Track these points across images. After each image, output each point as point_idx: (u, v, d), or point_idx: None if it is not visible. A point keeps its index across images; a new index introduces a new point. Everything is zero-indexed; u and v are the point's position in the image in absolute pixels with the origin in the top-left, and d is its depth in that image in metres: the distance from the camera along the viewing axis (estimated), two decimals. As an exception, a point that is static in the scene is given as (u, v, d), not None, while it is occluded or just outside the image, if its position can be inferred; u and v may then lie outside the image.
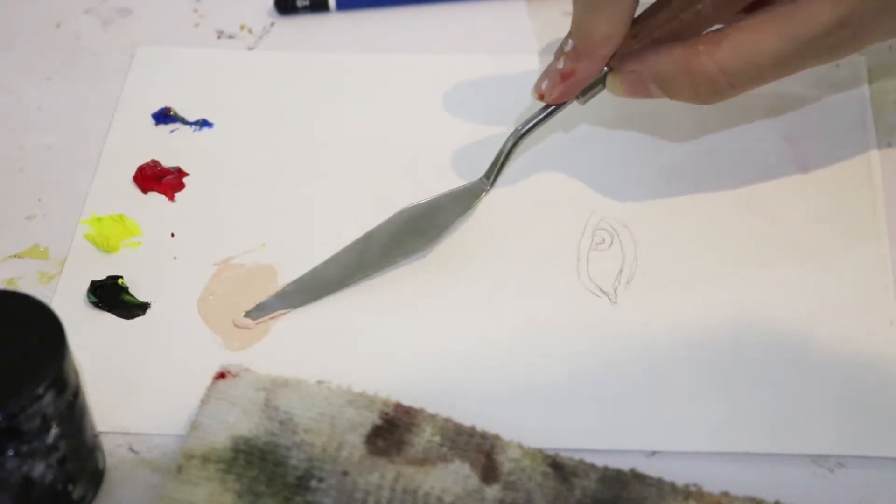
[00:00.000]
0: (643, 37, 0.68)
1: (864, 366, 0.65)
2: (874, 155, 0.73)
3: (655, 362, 0.66)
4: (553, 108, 0.69)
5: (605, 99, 0.75)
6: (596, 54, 0.67)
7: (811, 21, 0.63)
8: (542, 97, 0.69)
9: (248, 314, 0.67)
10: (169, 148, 0.75)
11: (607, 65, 0.68)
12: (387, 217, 0.70)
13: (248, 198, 0.73)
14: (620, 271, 0.69)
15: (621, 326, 0.67)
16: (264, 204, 0.72)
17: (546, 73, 0.68)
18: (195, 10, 0.82)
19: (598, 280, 0.69)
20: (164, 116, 0.77)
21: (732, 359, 0.66)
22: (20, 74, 0.79)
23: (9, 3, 0.83)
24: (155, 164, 0.74)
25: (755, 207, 0.71)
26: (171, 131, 0.76)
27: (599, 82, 0.69)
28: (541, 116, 0.69)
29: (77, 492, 0.60)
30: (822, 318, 0.67)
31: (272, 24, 0.82)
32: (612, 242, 0.70)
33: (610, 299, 0.68)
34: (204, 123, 0.76)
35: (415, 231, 0.69)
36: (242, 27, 0.81)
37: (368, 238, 0.69)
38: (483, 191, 0.70)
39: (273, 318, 0.67)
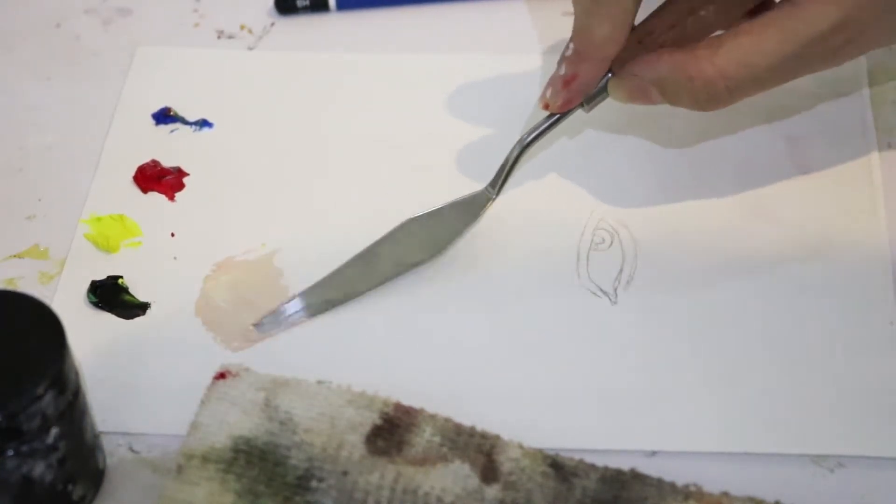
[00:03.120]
0: (648, 43, 0.68)
1: (864, 366, 0.65)
2: (874, 155, 0.73)
3: (655, 362, 0.66)
4: (558, 116, 0.69)
5: (606, 100, 0.75)
6: (597, 57, 0.67)
7: (810, 25, 0.63)
8: (546, 106, 0.68)
9: (257, 327, 0.67)
10: (169, 148, 0.75)
11: (610, 70, 0.68)
12: (389, 223, 0.69)
13: (248, 198, 0.73)
14: (620, 271, 0.69)
15: (621, 326, 0.67)
16: (264, 204, 0.73)
17: (549, 82, 0.68)
18: (195, 10, 0.82)
19: (598, 280, 0.69)
20: (164, 116, 0.77)
21: (732, 359, 0.66)
22: (20, 74, 0.79)
23: (9, 3, 0.83)
24: (155, 164, 0.74)
25: (755, 208, 0.71)
26: (171, 131, 0.76)
27: (604, 89, 0.69)
28: (546, 125, 0.69)
29: (77, 492, 0.60)
30: (822, 319, 0.67)
31: (272, 24, 0.82)
32: (612, 242, 0.70)
33: (610, 299, 0.68)
34: (204, 123, 0.76)
35: (421, 242, 0.69)
36: (242, 27, 0.81)
37: (373, 251, 0.69)
38: (489, 200, 0.70)
39: (275, 334, 0.67)
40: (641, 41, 0.68)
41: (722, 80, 0.65)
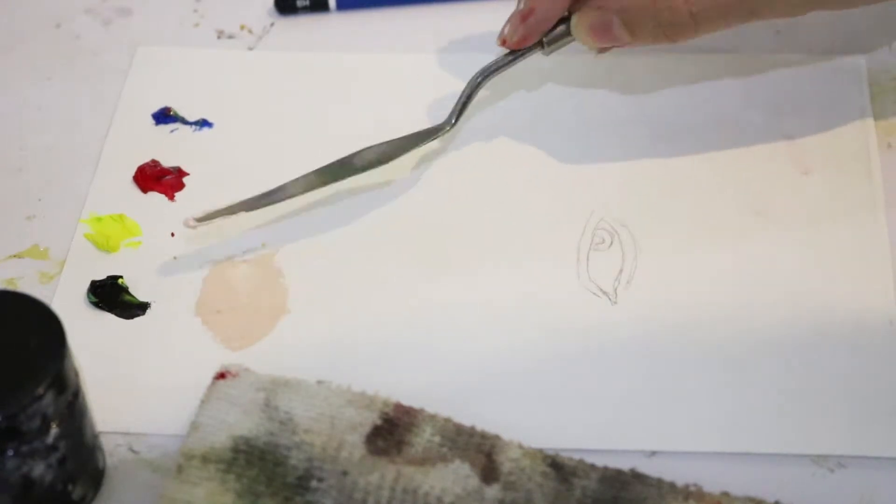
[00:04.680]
0: None
1: (864, 366, 0.65)
2: (874, 155, 0.73)
3: (655, 362, 0.66)
4: (518, 53, 0.70)
5: (607, 97, 0.75)
6: None
7: None
8: (504, 42, 0.70)
9: (198, 218, 0.68)
10: (169, 148, 0.75)
11: (570, 11, 0.69)
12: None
13: (247, 197, 0.73)
14: (620, 271, 0.69)
15: (621, 326, 0.67)
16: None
17: (509, 18, 0.69)
18: (195, 10, 0.82)
19: (598, 280, 0.69)
20: (164, 116, 0.77)
21: (732, 359, 0.66)
22: (20, 74, 0.79)
23: (9, 3, 0.83)
24: (155, 163, 0.74)
25: (755, 207, 0.71)
26: (171, 131, 0.76)
27: (565, 33, 0.70)
28: (505, 62, 0.71)
29: (77, 492, 0.60)
30: (822, 318, 0.67)
31: (272, 24, 0.82)
32: (612, 242, 0.70)
33: (610, 299, 0.68)
34: (204, 123, 0.76)
35: (375, 158, 0.70)
36: (242, 27, 0.81)
37: (325, 168, 0.70)
38: (444, 129, 0.71)
39: (219, 216, 0.68)
40: None
41: (686, 4, 0.65)
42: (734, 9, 0.66)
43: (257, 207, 0.69)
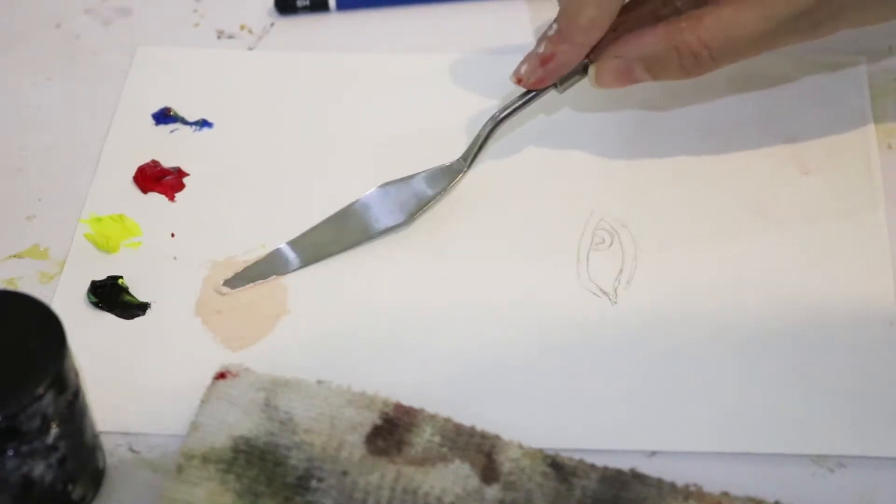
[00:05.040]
0: (622, 31, 0.69)
1: (864, 366, 0.65)
2: (874, 155, 0.73)
3: (655, 362, 0.66)
4: (532, 94, 0.70)
5: (607, 97, 0.75)
6: (579, 40, 0.68)
7: (790, 2, 0.65)
8: (519, 81, 0.70)
9: (226, 282, 0.68)
10: (169, 148, 0.75)
11: (588, 57, 0.69)
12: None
13: (248, 198, 0.73)
14: (620, 271, 0.69)
15: (621, 326, 0.67)
16: (264, 204, 0.72)
17: (526, 58, 0.69)
18: (195, 10, 0.82)
19: (598, 280, 0.69)
20: (164, 116, 0.77)
21: (732, 359, 0.66)
22: (20, 74, 0.79)
23: (9, 3, 0.83)
24: (155, 164, 0.74)
25: (755, 208, 0.71)
26: (171, 131, 0.76)
27: (579, 71, 0.70)
28: (519, 103, 0.70)
29: (77, 492, 0.60)
30: (822, 319, 0.67)
31: (272, 24, 0.82)
32: (612, 242, 0.70)
33: (610, 299, 0.68)
34: (204, 123, 0.76)
35: (391, 208, 0.71)
36: (242, 27, 0.81)
37: (345, 214, 0.71)
38: (460, 171, 0.71)
39: (249, 288, 0.68)
40: (615, 29, 0.69)
41: (706, 49, 0.67)
42: (749, 52, 0.68)
43: (289, 272, 0.69)
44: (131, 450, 0.63)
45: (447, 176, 0.71)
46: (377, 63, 0.79)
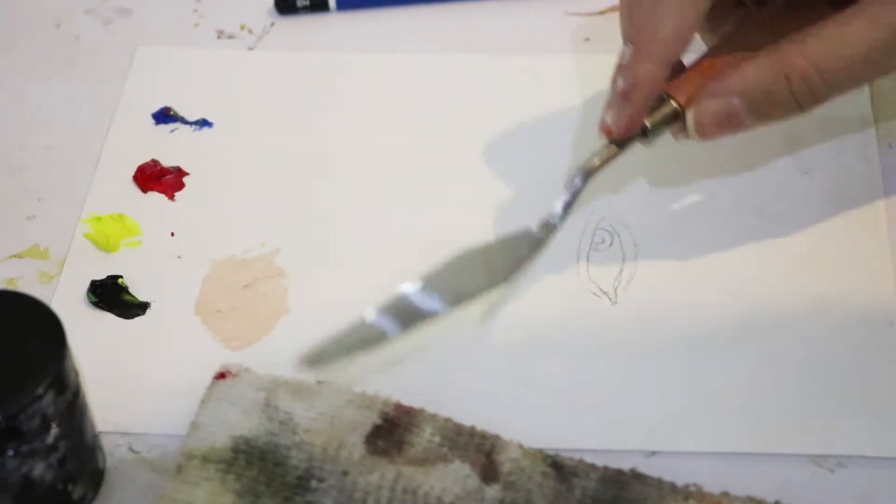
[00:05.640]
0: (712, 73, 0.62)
1: (864, 366, 0.65)
2: (874, 156, 0.73)
3: (655, 362, 0.66)
4: (621, 143, 0.62)
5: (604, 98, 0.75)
6: (660, 55, 0.60)
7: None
8: (609, 133, 0.62)
9: (309, 363, 0.58)
10: (169, 148, 0.75)
11: (681, 106, 0.62)
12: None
13: (248, 198, 0.73)
14: (620, 271, 0.69)
15: (621, 326, 0.67)
16: (264, 204, 0.72)
17: (606, 105, 0.62)
18: (195, 10, 0.82)
19: (598, 280, 0.69)
20: (164, 116, 0.77)
21: (732, 359, 0.66)
22: (20, 74, 0.79)
23: (9, 3, 0.83)
24: (155, 163, 0.74)
25: (755, 208, 0.71)
26: (171, 131, 0.76)
27: (668, 118, 0.62)
28: (607, 157, 0.62)
29: (77, 492, 0.60)
30: (823, 319, 0.67)
31: (272, 24, 0.82)
32: (612, 242, 0.70)
33: (610, 299, 0.68)
34: (204, 123, 0.76)
35: (481, 273, 0.61)
36: (242, 27, 0.81)
37: (429, 284, 0.60)
38: (554, 228, 0.63)
39: (333, 362, 0.59)
40: (703, 74, 0.62)
41: (818, 72, 0.60)
42: (863, 73, 0.60)
43: (371, 350, 0.59)
44: (131, 450, 0.63)
45: (539, 235, 0.63)
46: (377, 63, 0.79)
